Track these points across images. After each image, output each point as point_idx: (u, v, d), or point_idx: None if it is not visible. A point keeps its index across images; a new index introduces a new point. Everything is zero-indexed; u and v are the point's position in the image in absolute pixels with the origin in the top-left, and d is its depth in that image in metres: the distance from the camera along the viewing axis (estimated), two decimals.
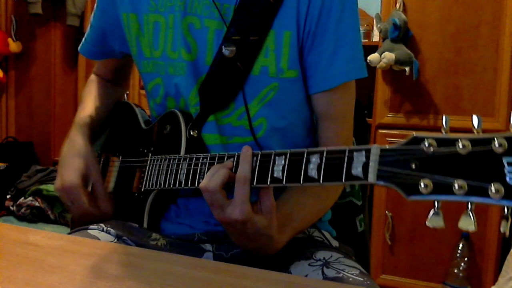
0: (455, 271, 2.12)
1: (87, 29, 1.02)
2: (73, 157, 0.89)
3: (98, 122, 1.00)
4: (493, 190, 0.47)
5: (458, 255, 2.12)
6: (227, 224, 0.71)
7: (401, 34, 2.13)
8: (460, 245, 2.12)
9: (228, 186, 0.70)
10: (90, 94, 1.04)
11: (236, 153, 0.71)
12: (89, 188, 0.89)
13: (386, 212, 2.27)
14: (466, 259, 2.11)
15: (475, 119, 0.51)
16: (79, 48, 1.05)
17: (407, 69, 2.13)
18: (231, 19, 0.82)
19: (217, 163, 0.73)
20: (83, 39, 1.03)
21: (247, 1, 0.81)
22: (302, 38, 0.82)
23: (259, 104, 0.83)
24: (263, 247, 0.73)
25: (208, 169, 0.74)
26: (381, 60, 2.14)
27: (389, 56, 2.12)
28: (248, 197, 0.68)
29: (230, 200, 0.69)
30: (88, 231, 0.82)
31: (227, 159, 0.72)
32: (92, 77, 1.09)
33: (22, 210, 2.61)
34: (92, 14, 1.00)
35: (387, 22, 2.18)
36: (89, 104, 1.01)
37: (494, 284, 2.01)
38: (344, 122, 0.87)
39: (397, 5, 2.20)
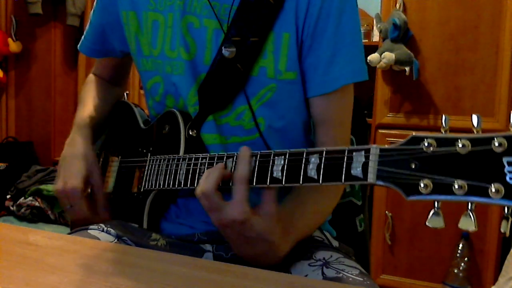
0: (455, 271, 2.12)
1: (87, 27, 1.01)
2: (75, 159, 0.89)
3: (98, 122, 1.00)
4: (493, 190, 0.47)
5: (458, 255, 2.12)
6: (225, 227, 0.69)
7: (401, 34, 2.13)
8: (460, 245, 2.12)
9: (227, 188, 0.69)
10: (90, 93, 1.03)
11: (235, 154, 0.71)
12: (89, 190, 0.89)
13: (386, 212, 2.27)
14: (466, 259, 2.11)
15: (474, 118, 0.50)
16: (78, 46, 1.04)
17: (407, 69, 2.13)
18: (231, 20, 0.81)
19: (216, 163, 0.73)
20: (83, 37, 1.03)
21: (248, 2, 0.81)
22: (301, 40, 0.82)
23: (257, 104, 0.83)
24: (263, 254, 0.71)
25: (208, 168, 0.74)
26: (381, 60, 2.14)
27: (389, 56, 2.11)
28: (247, 197, 0.67)
29: (228, 202, 0.68)
30: (88, 231, 0.81)
31: (226, 159, 0.72)
32: (91, 76, 1.09)
33: (22, 210, 2.60)
34: (92, 12, 0.99)
35: (387, 22, 2.18)
36: (89, 103, 1.01)
37: (494, 284, 2.01)
38: (342, 127, 0.86)
39: (397, 5, 2.20)
